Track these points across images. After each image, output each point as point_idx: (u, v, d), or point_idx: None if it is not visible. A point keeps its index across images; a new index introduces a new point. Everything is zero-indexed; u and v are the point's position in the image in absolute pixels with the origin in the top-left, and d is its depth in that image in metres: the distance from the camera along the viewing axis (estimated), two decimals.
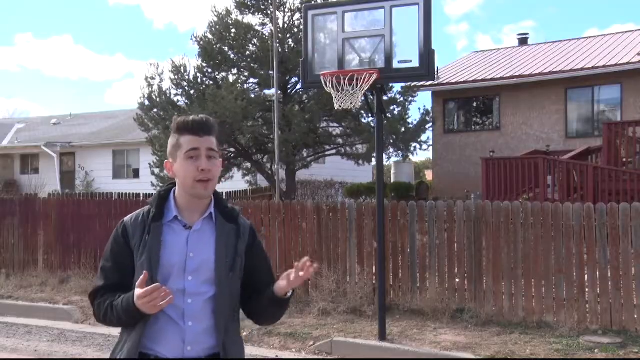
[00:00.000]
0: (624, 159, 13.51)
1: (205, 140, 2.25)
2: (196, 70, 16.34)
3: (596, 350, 6.13)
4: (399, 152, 16.33)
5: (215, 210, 2.33)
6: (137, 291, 2.10)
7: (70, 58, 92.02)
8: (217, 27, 16.22)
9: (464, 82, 19.35)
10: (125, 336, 2.27)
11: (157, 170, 16.86)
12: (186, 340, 2.21)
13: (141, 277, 2.11)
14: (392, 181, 23.12)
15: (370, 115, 13.91)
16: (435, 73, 6.91)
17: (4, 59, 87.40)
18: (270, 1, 15.74)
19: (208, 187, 2.26)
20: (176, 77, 16.16)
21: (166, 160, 2.35)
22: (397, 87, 16.11)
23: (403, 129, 15.55)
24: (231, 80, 16.10)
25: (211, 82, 16.10)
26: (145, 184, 20.02)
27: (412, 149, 16.16)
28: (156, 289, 2.06)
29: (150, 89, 16.25)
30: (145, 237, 2.24)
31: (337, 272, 8.08)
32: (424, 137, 16.48)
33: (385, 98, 15.00)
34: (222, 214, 2.34)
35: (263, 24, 16.79)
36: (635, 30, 20.98)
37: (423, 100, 63.61)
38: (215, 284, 2.24)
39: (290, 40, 16.20)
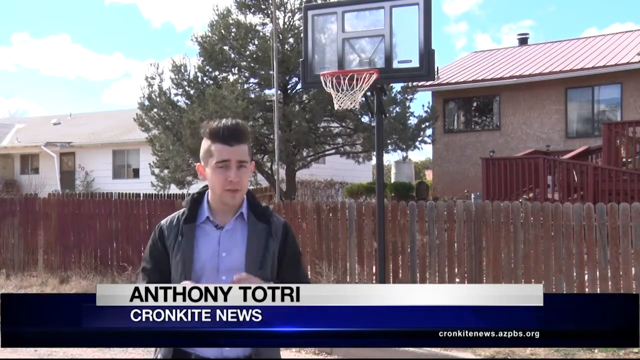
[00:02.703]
0: (624, 159, 13.51)
1: (236, 150, 2.26)
2: (196, 70, 16.33)
3: (596, 350, 6.13)
4: (400, 151, 16.33)
5: (248, 210, 2.36)
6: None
7: (67, 57, 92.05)
8: (218, 26, 16.20)
9: (464, 82, 19.35)
10: None
11: (157, 170, 16.85)
12: None
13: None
14: (392, 181, 23.13)
15: (370, 115, 13.91)
16: (435, 73, 6.91)
17: (1, 59, 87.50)
18: (270, 1, 15.73)
19: (236, 197, 2.29)
20: (176, 76, 16.14)
21: (198, 164, 2.38)
22: (397, 86, 16.11)
23: (403, 128, 15.54)
24: (231, 80, 16.09)
25: (211, 82, 16.08)
26: (145, 184, 20.02)
27: (413, 146, 16.13)
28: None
29: (150, 89, 16.23)
30: (179, 239, 2.31)
31: (337, 272, 8.09)
32: (427, 132, 16.45)
33: (385, 98, 14.99)
34: (254, 213, 2.37)
35: (263, 24, 16.78)
36: (635, 30, 20.98)
37: (423, 101, 63.57)
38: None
39: (290, 40, 16.19)
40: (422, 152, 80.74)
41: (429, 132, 16.71)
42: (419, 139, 16.13)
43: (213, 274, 2.27)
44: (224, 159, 2.25)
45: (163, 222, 2.40)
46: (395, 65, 6.63)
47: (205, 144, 2.32)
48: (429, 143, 17.32)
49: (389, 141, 15.34)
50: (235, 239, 2.31)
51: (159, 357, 2.30)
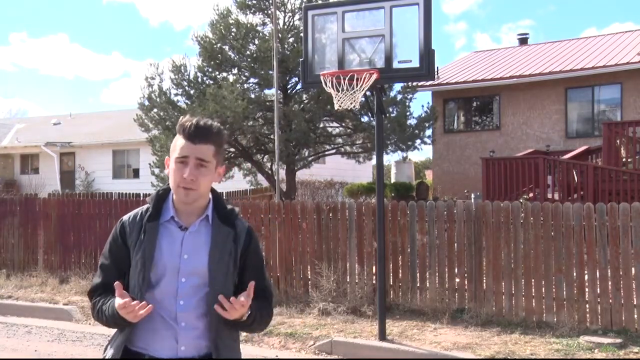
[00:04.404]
0: (624, 159, 13.51)
1: (198, 149, 2.21)
2: (196, 70, 16.32)
3: (596, 350, 6.14)
4: (401, 151, 16.31)
5: (213, 212, 2.31)
6: (117, 301, 2.14)
7: (66, 57, 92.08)
8: (218, 26, 16.19)
9: (464, 82, 19.35)
10: (116, 335, 2.31)
11: (157, 170, 16.84)
12: (180, 340, 2.23)
13: (117, 287, 2.14)
14: (392, 181, 23.13)
15: (370, 115, 13.91)
16: (435, 73, 6.91)
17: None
18: (270, 1, 15.73)
19: (189, 195, 2.23)
20: (176, 76, 16.13)
21: (167, 157, 2.34)
22: (397, 86, 16.10)
23: (403, 128, 15.53)
24: (231, 80, 16.08)
25: (211, 82, 16.08)
26: (145, 184, 20.02)
27: (413, 146, 16.11)
28: (129, 302, 2.11)
29: (150, 89, 16.22)
30: (141, 237, 2.25)
31: (337, 272, 8.09)
32: (427, 132, 16.43)
33: (384, 98, 14.98)
34: (219, 215, 2.32)
35: (263, 24, 16.78)
36: (635, 30, 20.98)
37: (423, 101, 63.64)
38: (208, 287, 2.24)
39: (290, 40, 16.18)
40: (422, 152, 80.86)
41: (428, 132, 16.68)
42: (419, 139, 16.12)
43: (173, 276, 2.23)
44: (183, 155, 2.21)
45: (125, 217, 2.34)
46: (395, 65, 6.62)
47: (175, 138, 2.29)
48: (429, 144, 17.31)
49: (388, 142, 15.33)
50: (199, 241, 2.26)
51: (107, 357, 2.28)
